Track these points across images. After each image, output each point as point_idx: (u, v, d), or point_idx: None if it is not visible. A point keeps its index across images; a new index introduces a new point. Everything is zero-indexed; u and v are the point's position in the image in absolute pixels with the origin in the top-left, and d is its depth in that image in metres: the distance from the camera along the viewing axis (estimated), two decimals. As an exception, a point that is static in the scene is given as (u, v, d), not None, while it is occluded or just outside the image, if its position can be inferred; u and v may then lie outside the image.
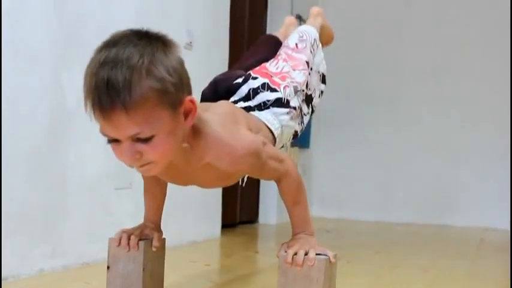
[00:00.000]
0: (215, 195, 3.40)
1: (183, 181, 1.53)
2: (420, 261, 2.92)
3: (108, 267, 1.60)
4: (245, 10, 4.08)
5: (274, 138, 1.70)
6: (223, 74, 1.85)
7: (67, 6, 2.28)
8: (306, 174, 4.88)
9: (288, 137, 1.79)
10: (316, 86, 1.94)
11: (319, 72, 1.98)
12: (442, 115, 4.91)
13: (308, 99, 1.89)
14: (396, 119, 5.03)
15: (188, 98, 1.26)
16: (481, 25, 4.86)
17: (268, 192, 4.30)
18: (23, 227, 2.09)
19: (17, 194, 2.06)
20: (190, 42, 3.11)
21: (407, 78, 5.04)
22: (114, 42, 1.21)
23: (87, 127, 2.33)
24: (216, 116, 1.41)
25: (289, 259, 1.40)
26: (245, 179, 1.80)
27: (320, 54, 2.01)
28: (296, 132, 1.82)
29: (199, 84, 3.45)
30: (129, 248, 1.57)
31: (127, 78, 1.16)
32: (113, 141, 1.23)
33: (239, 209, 4.02)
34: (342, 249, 3.07)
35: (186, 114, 1.27)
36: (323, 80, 2.01)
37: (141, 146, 1.22)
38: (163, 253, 1.69)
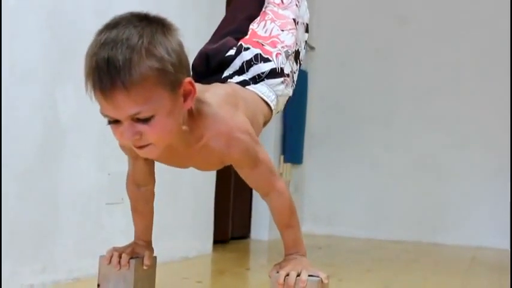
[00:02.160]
0: (207, 211, 3.39)
1: (180, 163, 1.53)
2: (412, 280, 2.91)
3: (98, 286, 1.59)
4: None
5: (271, 110, 1.70)
6: (214, 43, 1.81)
7: (61, 23, 2.28)
8: (298, 191, 4.87)
9: (283, 104, 1.80)
10: (301, 38, 1.93)
11: (304, 23, 1.96)
12: (434, 135, 4.93)
13: (296, 55, 1.88)
14: (389, 138, 5.04)
15: (187, 79, 1.27)
16: (474, 47, 4.89)
17: (261, 208, 4.29)
18: (13, 242, 2.08)
19: (6, 209, 2.05)
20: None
21: (400, 98, 5.05)
22: (114, 24, 1.24)
23: (80, 143, 2.35)
24: (216, 97, 1.43)
25: (281, 280, 1.40)
26: None
27: (304, 4, 1.98)
28: (289, 97, 1.82)
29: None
30: (120, 266, 1.56)
31: (127, 58, 1.18)
32: (113, 122, 1.24)
33: (231, 224, 4.00)
34: (333, 266, 3.07)
35: (186, 96, 1.28)
36: (306, 29, 1.99)
37: (141, 126, 1.24)
38: (154, 271, 1.68)
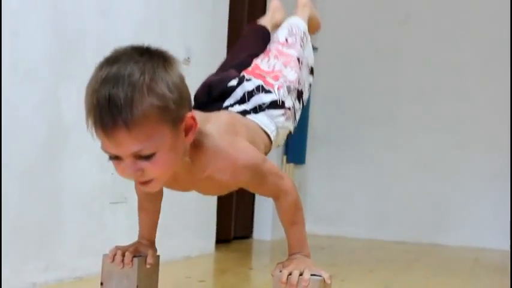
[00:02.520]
0: (209, 211, 3.39)
1: (183, 188, 1.53)
2: (414, 280, 2.91)
3: (101, 284, 1.59)
4: (243, 25, 4.09)
5: (271, 141, 1.70)
6: (217, 75, 1.83)
7: (65, 22, 2.28)
8: (300, 191, 4.86)
9: (283, 138, 1.80)
10: (305, 80, 1.94)
11: (308, 65, 1.98)
12: (436, 135, 4.92)
13: (299, 95, 1.88)
14: (391, 138, 5.04)
15: (189, 114, 1.26)
16: (476, 47, 4.88)
17: (263, 208, 4.29)
18: (16, 240, 2.08)
19: (12, 208, 2.05)
20: (188, 58, 3.11)
21: (403, 98, 5.05)
22: (115, 59, 1.22)
23: (83, 142, 2.35)
24: (216, 128, 1.42)
25: (284, 279, 1.40)
26: None
27: (309, 46, 2.00)
28: (290, 131, 1.82)
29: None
30: (123, 264, 1.57)
31: (128, 96, 1.16)
32: (115, 158, 1.23)
33: (234, 224, 4.01)
34: (335, 266, 3.07)
35: (187, 131, 1.27)
36: (311, 72, 2.01)
37: (143, 163, 1.22)
38: (157, 270, 1.68)
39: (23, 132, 2.10)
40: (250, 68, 1.81)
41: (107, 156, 1.25)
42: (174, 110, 1.22)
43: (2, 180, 2.01)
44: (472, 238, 4.70)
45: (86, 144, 2.38)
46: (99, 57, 2.51)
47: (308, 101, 5.12)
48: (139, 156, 1.21)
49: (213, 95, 1.71)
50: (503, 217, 4.63)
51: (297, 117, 1.87)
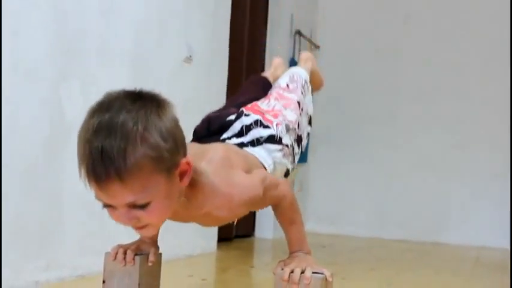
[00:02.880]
0: (211, 209, 3.39)
1: (183, 221, 1.53)
2: (415, 279, 2.92)
3: (103, 282, 1.59)
4: (245, 24, 4.10)
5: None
6: (216, 112, 1.85)
7: (67, 20, 2.28)
8: (302, 189, 4.87)
9: (280, 175, 1.78)
10: (304, 126, 1.96)
11: (307, 114, 2.00)
12: (438, 134, 4.93)
13: (298, 140, 1.89)
14: (393, 138, 5.04)
15: (183, 160, 1.24)
16: (477, 47, 4.89)
17: (265, 206, 4.29)
18: (19, 239, 2.09)
19: (13, 207, 2.06)
20: (190, 56, 3.12)
21: (404, 98, 5.06)
22: (107, 107, 1.17)
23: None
24: (211, 165, 1.39)
25: (286, 277, 1.40)
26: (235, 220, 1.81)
27: (309, 96, 2.03)
28: (288, 170, 1.82)
29: (198, 97, 3.46)
30: (125, 262, 1.57)
31: (121, 147, 1.13)
32: (109, 206, 1.22)
33: (235, 223, 4.00)
34: (337, 265, 3.07)
35: (182, 175, 1.25)
36: (309, 122, 2.03)
37: (137, 212, 1.20)
38: (159, 268, 1.68)
39: (24, 131, 2.10)
40: (249, 105, 1.83)
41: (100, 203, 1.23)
42: (168, 159, 1.19)
43: (2, 180, 2.01)
44: (472, 237, 4.70)
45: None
46: (101, 57, 2.53)
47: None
48: (134, 205, 1.20)
49: (211, 129, 1.72)
50: (503, 216, 4.63)
51: (296, 159, 1.87)
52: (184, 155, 1.25)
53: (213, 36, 3.40)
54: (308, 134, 2.00)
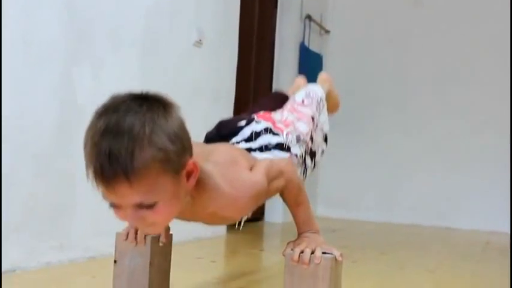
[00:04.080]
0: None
1: (189, 220, 1.54)
2: (425, 263, 2.92)
3: (115, 261, 1.61)
4: (255, 8, 4.09)
5: None
6: (228, 118, 1.88)
7: (78, 5, 2.29)
8: (312, 174, 4.87)
9: None
10: (319, 144, 1.96)
11: (322, 130, 2.01)
12: (449, 120, 4.91)
13: (312, 154, 1.90)
14: (404, 123, 5.03)
15: (190, 161, 1.25)
16: (489, 32, 4.85)
17: (275, 190, 4.30)
18: (31, 220, 2.11)
19: (25, 189, 2.07)
20: (200, 40, 3.12)
21: (415, 83, 5.04)
22: (114, 108, 1.18)
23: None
24: (217, 166, 1.40)
25: (296, 257, 1.41)
26: (242, 223, 1.82)
27: (325, 114, 2.04)
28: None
29: (208, 81, 3.45)
30: (136, 242, 1.58)
31: (129, 150, 1.14)
32: (116, 206, 1.23)
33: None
34: (347, 249, 3.08)
35: (188, 175, 1.26)
36: (325, 139, 2.03)
37: (144, 212, 1.21)
38: (169, 249, 1.69)
39: (37, 114, 2.12)
40: (261, 113, 1.83)
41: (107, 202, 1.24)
42: (176, 160, 1.20)
43: (15, 162, 2.03)
44: (482, 221, 4.70)
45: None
46: (112, 41, 2.53)
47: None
48: (141, 206, 1.21)
49: (222, 134, 1.74)
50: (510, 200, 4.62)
51: (308, 173, 1.88)
52: (191, 155, 1.26)
53: (223, 21, 3.39)
54: (323, 151, 2.00)
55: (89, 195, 2.33)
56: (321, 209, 4.85)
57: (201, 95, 3.12)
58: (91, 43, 2.35)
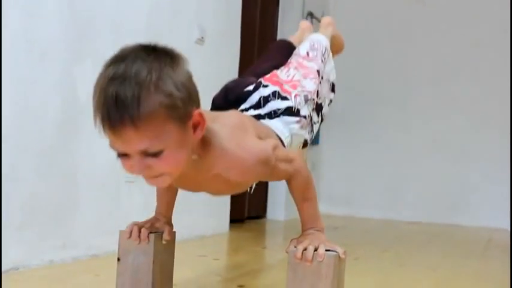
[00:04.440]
0: (224, 191, 3.41)
1: (193, 188, 1.54)
2: (428, 260, 2.92)
3: (118, 259, 1.61)
4: (257, 5, 4.09)
5: (284, 147, 1.70)
6: (235, 81, 1.85)
7: (80, 2, 2.29)
8: (314, 171, 4.88)
9: (297, 145, 1.79)
10: (326, 95, 1.95)
11: (329, 81, 1.99)
12: (452, 116, 4.91)
13: (318, 108, 1.89)
14: (406, 119, 5.03)
15: (197, 111, 1.25)
16: (491, 28, 4.85)
17: (277, 188, 4.30)
18: (34, 218, 2.11)
19: (28, 187, 2.08)
20: (202, 38, 3.12)
21: (418, 79, 5.04)
22: (122, 58, 1.21)
23: (98, 120, 2.37)
24: (225, 127, 1.41)
25: (299, 254, 1.41)
26: (253, 186, 1.80)
27: (330, 63, 2.02)
28: (306, 140, 1.82)
29: (210, 79, 3.46)
30: (140, 240, 1.58)
31: (136, 94, 1.16)
32: (123, 155, 1.24)
33: (247, 204, 4.03)
34: (349, 246, 3.08)
35: (195, 127, 1.26)
36: (332, 89, 2.02)
37: (150, 160, 1.22)
38: (173, 246, 1.69)
39: (39, 112, 2.12)
40: (268, 75, 1.82)
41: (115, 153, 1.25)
42: (181, 108, 1.21)
43: (18, 160, 2.03)
44: (484, 218, 4.70)
45: (101, 123, 2.42)
46: (113, 38, 2.53)
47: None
48: (147, 154, 1.21)
49: (229, 99, 1.73)
50: (509, 197, 4.62)
51: (315, 129, 1.87)
52: (198, 107, 1.27)
53: (225, 18, 3.39)
54: (331, 101, 1.99)
55: (92, 193, 2.35)
56: (323, 206, 4.82)
57: (203, 93, 3.11)
58: (93, 41, 2.35)
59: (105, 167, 2.43)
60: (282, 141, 1.67)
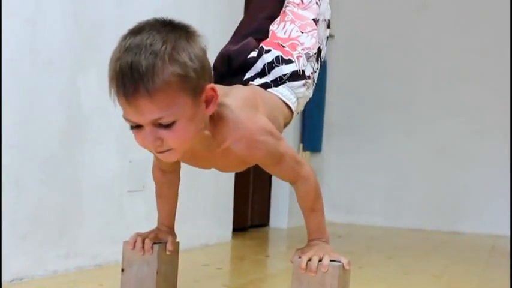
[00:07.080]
0: (227, 199, 3.41)
1: (203, 165, 1.55)
2: (432, 268, 2.92)
3: (122, 270, 1.61)
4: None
5: (292, 112, 1.72)
6: (235, 44, 1.82)
7: (84, 11, 2.29)
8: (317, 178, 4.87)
9: (303, 105, 1.83)
10: (323, 35, 1.93)
11: (325, 20, 1.96)
12: (454, 122, 4.90)
13: (318, 54, 1.88)
14: (408, 126, 5.03)
15: (210, 85, 1.29)
16: (494, 32, 4.85)
17: (280, 196, 4.30)
18: (37, 228, 2.11)
19: (31, 196, 2.08)
20: (205, 46, 3.11)
21: (420, 85, 5.03)
22: (138, 30, 1.28)
23: (102, 131, 2.37)
24: (237, 101, 1.44)
25: (304, 265, 1.41)
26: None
27: (325, 2, 1.98)
28: (310, 98, 1.84)
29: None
30: (144, 251, 1.59)
31: (150, 63, 1.20)
32: (135, 127, 1.26)
33: (250, 212, 4.02)
34: (353, 254, 3.08)
35: (208, 102, 1.29)
36: (328, 25, 1.99)
37: (162, 132, 1.25)
38: (176, 257, 1.70)
39: (43, 121, 2.12)
40: (268, 38, 1.81)
41: (128, 126, 1.28)
42: (195, 80, 1.25)
43: (22, 169, 2.03)
44: (488, 226, 4.69)
45: (106, 132, 2.42)
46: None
47: (324, 88, 5.13)
48: (159, 125, 1.24)
49: (233, 67, 1.73)
50: (510, 203, 4.61)
51: (316, 78, 1.88)
52: (211, 81, 1.29)
53: (228, 26, 3.39)
54: (327, 37, 1.97)
55: (96, 202, 2.35)
56: (326, 213, 4.82)
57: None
58: (97, 50, 2.35)
59: (108, 176, 2.43)
60: (290, 107, 1.69)
